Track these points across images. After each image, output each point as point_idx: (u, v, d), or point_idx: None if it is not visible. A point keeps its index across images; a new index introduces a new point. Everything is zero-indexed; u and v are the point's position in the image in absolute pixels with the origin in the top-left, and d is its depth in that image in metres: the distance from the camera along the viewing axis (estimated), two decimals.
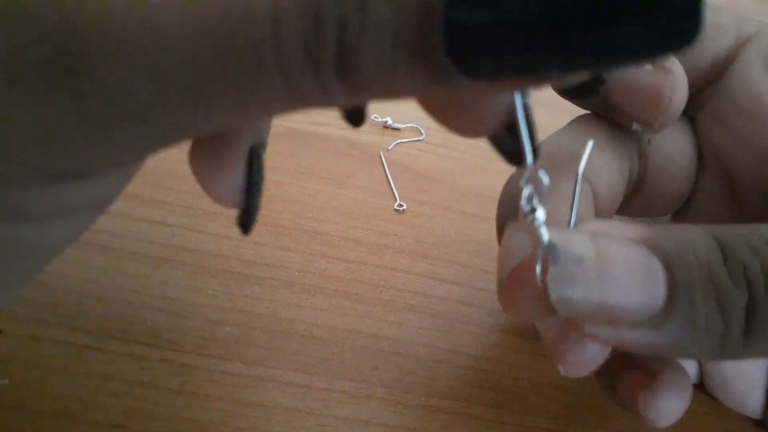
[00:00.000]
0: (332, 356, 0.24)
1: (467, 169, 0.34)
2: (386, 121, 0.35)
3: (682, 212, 0.24)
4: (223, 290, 0.25)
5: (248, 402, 0.22)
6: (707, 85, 0.22)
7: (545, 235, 0.14)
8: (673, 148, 0.22)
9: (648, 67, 0.18)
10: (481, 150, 0.36)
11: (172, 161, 0.29)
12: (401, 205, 0.30)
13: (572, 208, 0.16)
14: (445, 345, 0.25)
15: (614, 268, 0.14)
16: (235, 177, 0.17)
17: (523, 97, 0.13)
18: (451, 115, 0.14)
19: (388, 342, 0.25)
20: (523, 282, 0.15)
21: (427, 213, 0.30)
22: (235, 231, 0.27)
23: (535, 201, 0.14)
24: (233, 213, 0.27)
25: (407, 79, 0.10)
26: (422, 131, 0.35)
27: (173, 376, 0.22)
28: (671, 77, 0.18)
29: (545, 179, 0.14)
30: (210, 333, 0.23)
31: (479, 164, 0.34)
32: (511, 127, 0.13)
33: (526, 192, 0.14)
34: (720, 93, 0.21)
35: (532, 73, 0.10)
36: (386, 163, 0.33)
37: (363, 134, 0.34)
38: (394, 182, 0.32)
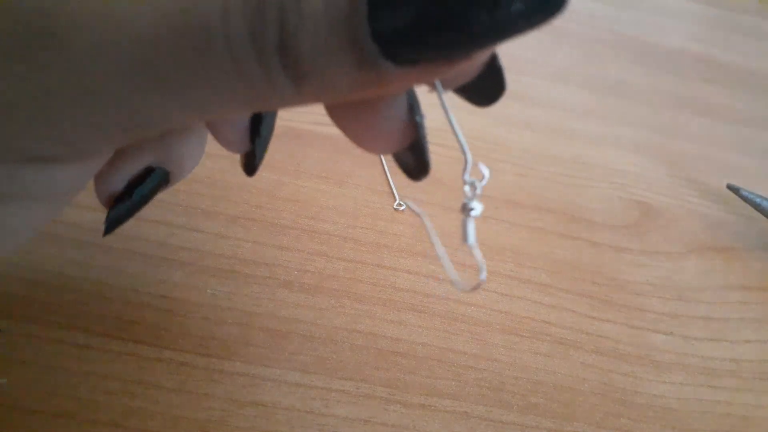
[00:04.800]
0: (331, 355, 0.23)
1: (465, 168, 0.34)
2: None
3: None
4: (223, 289, 0.25)
5: (247, 401, 0.21)
6: None
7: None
8: None
9: None
10: (479, 150, 0.36)
11: None
12: (401, 205, 0.30)
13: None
14: (445, 344, 0.25)
15: None
16: (240, 125, 0.17)
17: (445, 107, 0.14)
18: (359, 132, 0.15)
19: (388, 341, 0.25)
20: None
21: (427, 212, 0.30)
22: (234, 230, 0.27)
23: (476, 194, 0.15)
24: (233, 213, 0.28)
25: (341, 66, 0.11)
26: None
27: (172, 375, 0.22)
28: None
29: (486, 172, 0.15)
30: (209, 332, 0.23)
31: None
32: (413, 146, 0.15)
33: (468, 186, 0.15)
34: None
35: (446, 53, 0.11)
36: (386, 162, 0.33)
37: None
38: (393, 182, 0.32)
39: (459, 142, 0.15)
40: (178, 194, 0.28)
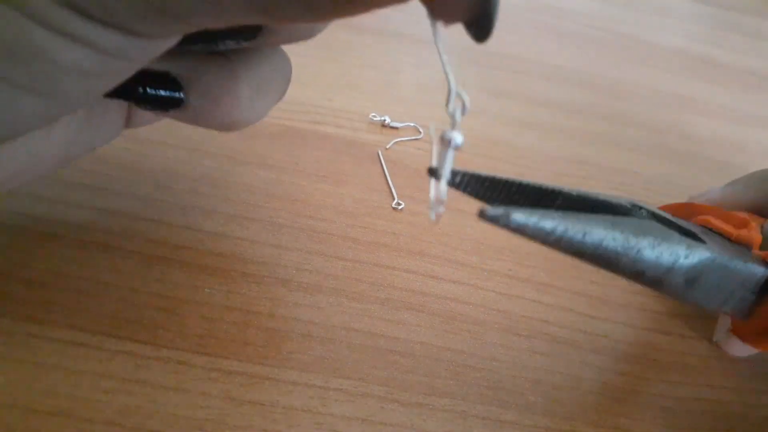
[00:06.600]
0: (329, 354, 0.23)
1: (465, 167, 0.34)
2: (384, 120, 0.35)
3: None
4: (221, 288, 0.25)
5: (245, 400, 0.21)
6: None
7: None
8: None
9: None
10: (478, 148, 0.36)
11: (171, 159, 0.29)
12: (399, 204, 0.30)
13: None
14: (443, 343, 0.25)
15: None
16: None
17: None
18: None
19: (386, 340, 0.24)
20: None
21: (425, 211, 0.30)
22: (233, 229, 0.27)
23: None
24: (231, 211, 0.28)
25: None
26: (420, 130, 0.35)
27: (169, 373, 0.22)
28: None
29: (467, 101, 0.15)
30: (207, 331, 0.23)
31: (477, 163, 0.34)
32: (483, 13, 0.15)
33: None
34: None
35: None
36: (384, 161, 0.33)
37: (361, 133, 0.34)
38: (392, 180, 0.32)
39: (445, 71, 0.15)
40: (176, 193, 0.28)
